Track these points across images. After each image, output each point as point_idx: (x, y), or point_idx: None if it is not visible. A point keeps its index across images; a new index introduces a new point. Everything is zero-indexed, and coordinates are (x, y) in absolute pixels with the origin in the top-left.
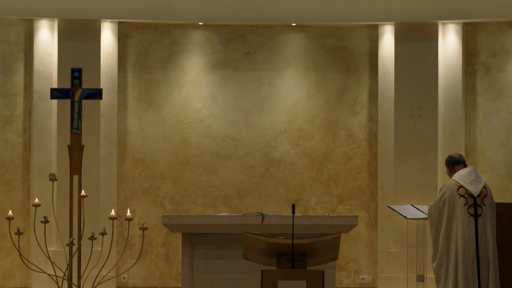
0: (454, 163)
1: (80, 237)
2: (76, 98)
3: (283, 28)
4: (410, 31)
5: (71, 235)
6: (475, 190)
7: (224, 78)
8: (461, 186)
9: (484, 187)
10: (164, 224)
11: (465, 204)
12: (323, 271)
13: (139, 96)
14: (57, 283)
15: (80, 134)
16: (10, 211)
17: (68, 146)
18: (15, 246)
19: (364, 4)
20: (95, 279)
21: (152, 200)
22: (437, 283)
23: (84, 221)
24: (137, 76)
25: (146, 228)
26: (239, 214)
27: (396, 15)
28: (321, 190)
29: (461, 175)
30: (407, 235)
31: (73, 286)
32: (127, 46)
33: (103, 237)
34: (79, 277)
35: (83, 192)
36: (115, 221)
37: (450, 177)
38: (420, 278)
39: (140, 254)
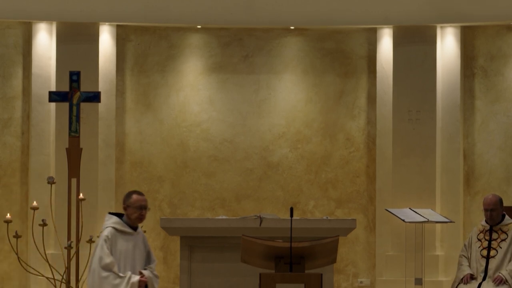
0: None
1: (78, 240)
2: (75, 101)
3: (281, 31)
4: (408, 35)
5: (69, 238)
6: None
7: (222, 81)
8: None
9: None
10: (162, 227)
11: None
12: (321, 274)
13: (137, 99)
14: (55, 286)
15: (78, 137)
16: (8, 214)
17: (66, 149)
18: (13, 249)
19: (362, 7)
20: None
21: (150, 203)
22: None
23: (82, 224)
24: (135, 79)
25: (144, 231)
26: (237, 217)
27: (394, 18)
28: (319, 193)
29: None
30: (405, 238)
31: None
32: (125, 49)
33: None
34: (77, 280)
35: (81, 195)
36: None
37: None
38: (418, 282)
39: None
